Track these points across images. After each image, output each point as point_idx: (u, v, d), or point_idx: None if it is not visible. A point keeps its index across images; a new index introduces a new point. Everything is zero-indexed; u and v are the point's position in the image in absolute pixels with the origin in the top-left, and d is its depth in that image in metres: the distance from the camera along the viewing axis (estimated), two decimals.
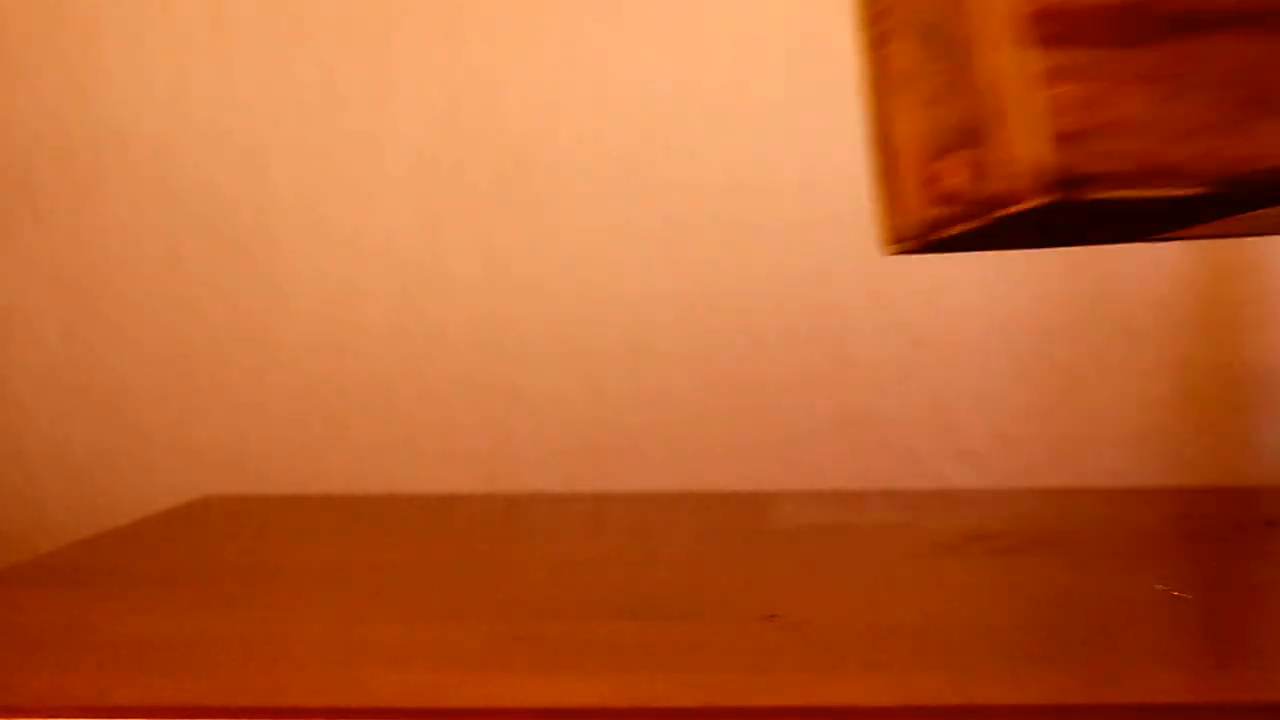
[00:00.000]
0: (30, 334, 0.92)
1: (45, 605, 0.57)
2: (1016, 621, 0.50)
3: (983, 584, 0.56)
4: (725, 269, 0.88)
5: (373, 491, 0.86)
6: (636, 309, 0.88)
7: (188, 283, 0.91)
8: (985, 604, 0.53)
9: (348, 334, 0.90)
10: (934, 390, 0.87)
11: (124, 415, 0.92)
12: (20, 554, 0.70)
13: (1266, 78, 0.28)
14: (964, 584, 0.56)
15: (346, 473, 0.90)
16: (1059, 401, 0.86)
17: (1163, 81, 0.28)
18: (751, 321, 0.88)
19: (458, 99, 0.89)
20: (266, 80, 0.90)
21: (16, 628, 0.54)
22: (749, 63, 0.87)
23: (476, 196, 0.89)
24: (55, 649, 0.50)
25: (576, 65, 0.88)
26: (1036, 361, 0.86)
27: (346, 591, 0.58)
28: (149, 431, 0.92)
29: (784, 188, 0.87)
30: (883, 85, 0.37)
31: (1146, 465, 0.85)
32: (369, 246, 0.90)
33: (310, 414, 0.90)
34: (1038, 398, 0.86)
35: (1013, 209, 0.29)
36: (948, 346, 0.87)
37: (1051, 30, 0.28)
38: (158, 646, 0.50)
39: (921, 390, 0.87)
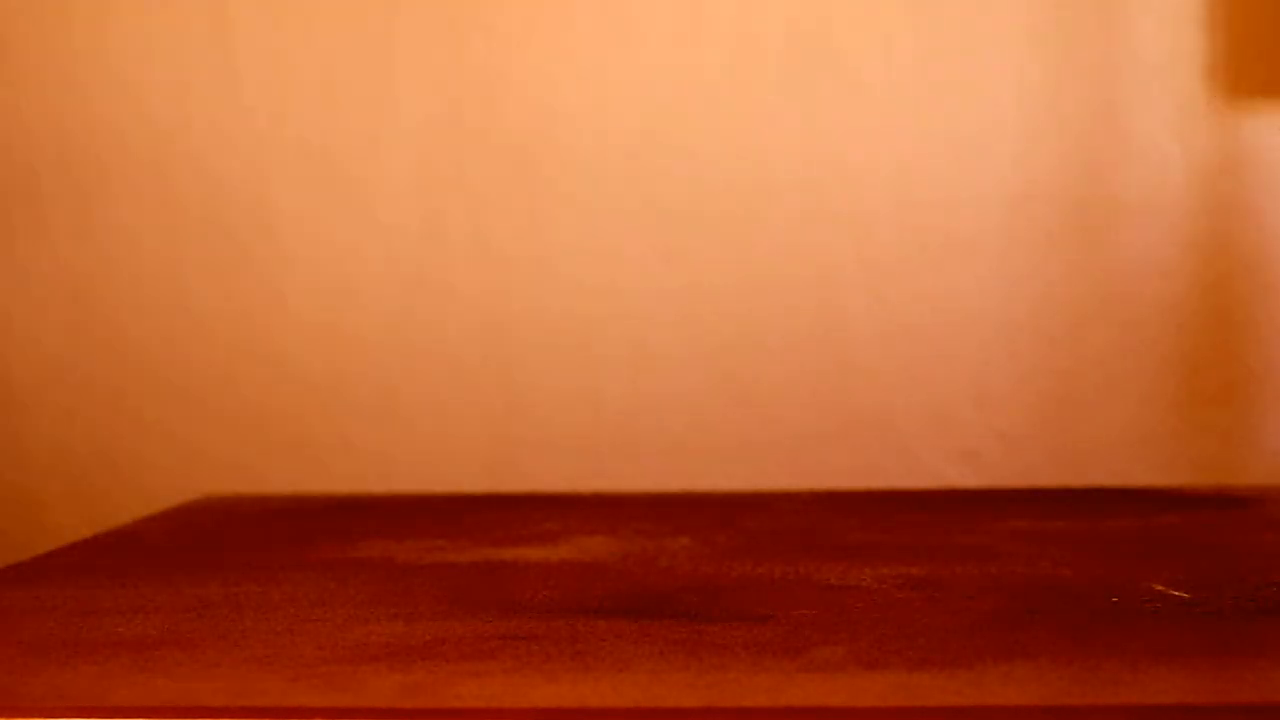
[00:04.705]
0: (30, 334, 0.92)
1: (45, 605, 0.57)
2: (1016, 621, 0.50)
3: (983, 584, 0.56)
4: (725, 269, 0.88)
5: (373, 491, 0.86)
6: (637, 308, 0.88)
7: (188, 283, 0.91)
8: (985, 603, 0.53)
9: (348, 334, 0.90)
10: (934, 390, 0.87)
11: (124, 415, 0.92)
12: (20, 554, 0.70)
13: None
14: (964, 583, 0.56)
15: (346, 473, 0.90)
16: (1059, 401, 0.86)
17: None
18: (752, 321, 0.88)
19: (458, 99, 0.89)
20: (267, 80, 0.90)
21: (16, 628, 0.54)
22: (748, 62, 0.87)
23: (476, 196, 0.89)
24: (55, 649, 0.50)
25: (576, 65, 0.88)
26: (1037, 362, 0.86)
27: (346, 591, 0.58)
28: (149, 431, 0.92)
29: (784, 188, 0.87)
30: None
31: (1146, 465, 0.85)
32: (369, 247, 0.90)
33: (310, 414, 0.90)
34: (1038, 398, 0.86)
35: None
36: (948, 347, 0.87)
37: None
38: (158, 646, 0.50)
39: (921, 390, 0.87)
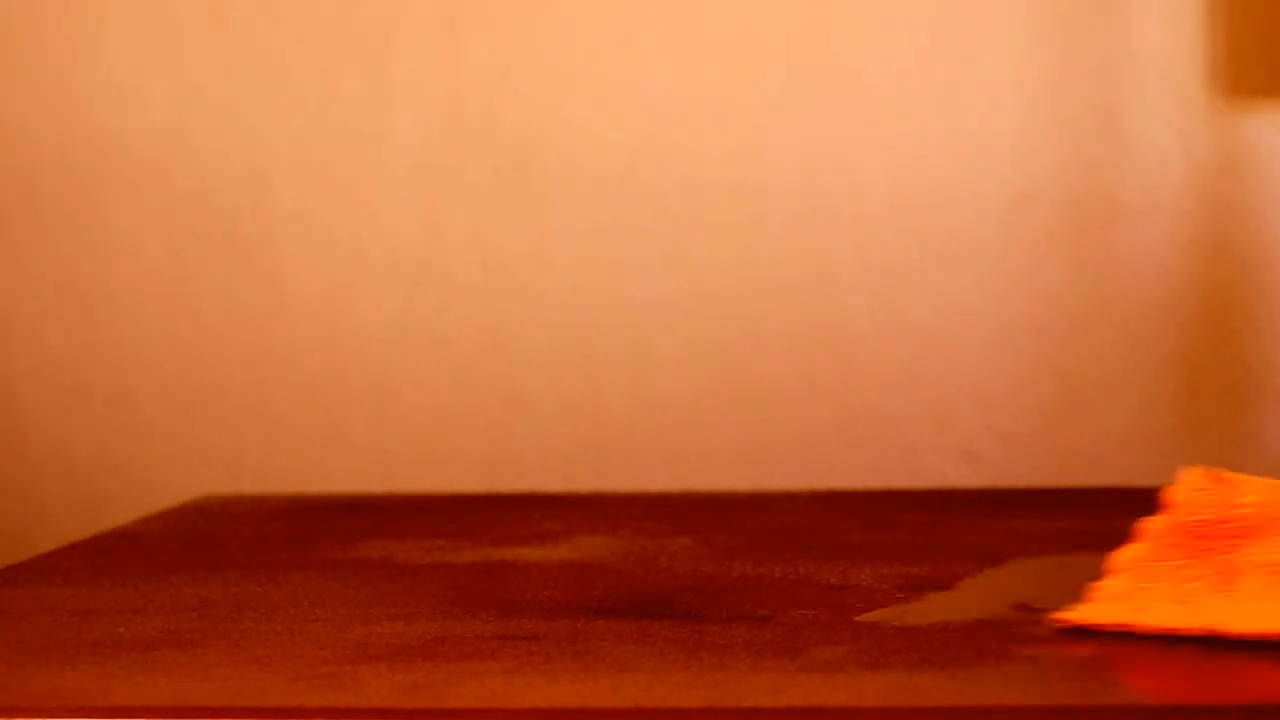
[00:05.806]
0: (30, 334, 0.92)
1: (45, 605, 0.57)
2: (1016, 620, 0.50)
3: (982, 584, 0.56)
4: (725, 269, 0.88)
5: (373, 491, 0.86)
6: (636, 308, 0.88)
7: (188, 282, 0.91)
8: (985, 604, 0.53)
9: (348, 334, 0.90)
10: (934, 390, 0.87)
11: (124, 415, 0.92)
12: (20, 554, 0.70)
13: None
14: (963, 584, 0.56)
15: (346, 473, 0.90)
16: (1059, 402, 0.86)
17: None
18: (752, 321, 0.88)
19: (458, 99, 0.89)
20: (266, 81, 0.90)
21: (16, 628, 0.54)
22: (749, 62, 0.87)
23: (476, 196, 0.89)
24: (55, 649, 0.50)
25: (576, 65, 0.88)
26: (1037, 362, 0.86)
27: (346, 591, 0.58)
28: (149, 431, 0.92)
29: (784, 188, 0.87)
30: None
31: (1146, 465, 0.85)
32: (369, 247, 0.90)
33: (310, 414, 0.90)
34: (1038, 398, 0.86)
35: None
36: (948, 347, 0.87)
37: None
38: (158, 646, 0.50)
39: (922, 390, 0.87)
